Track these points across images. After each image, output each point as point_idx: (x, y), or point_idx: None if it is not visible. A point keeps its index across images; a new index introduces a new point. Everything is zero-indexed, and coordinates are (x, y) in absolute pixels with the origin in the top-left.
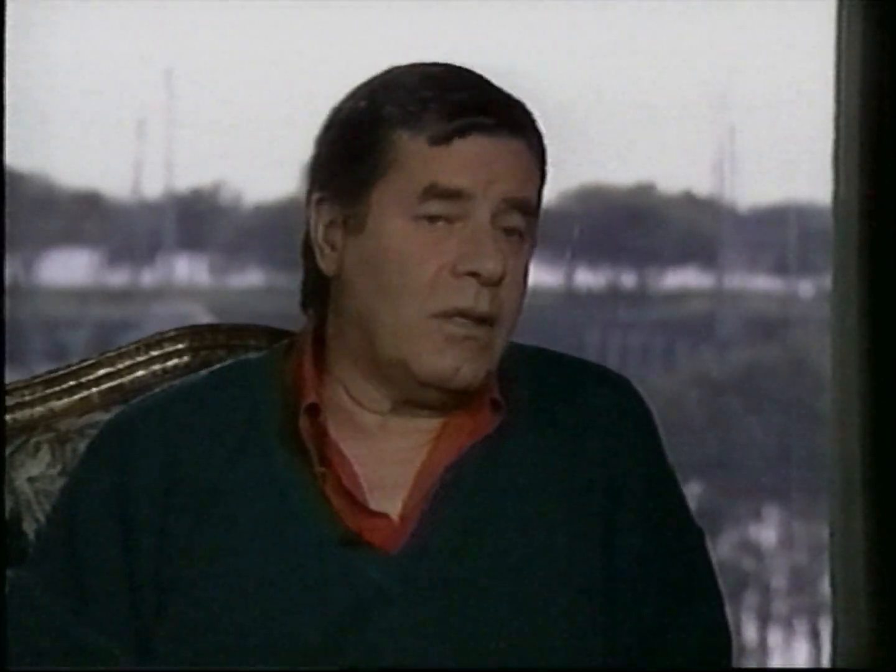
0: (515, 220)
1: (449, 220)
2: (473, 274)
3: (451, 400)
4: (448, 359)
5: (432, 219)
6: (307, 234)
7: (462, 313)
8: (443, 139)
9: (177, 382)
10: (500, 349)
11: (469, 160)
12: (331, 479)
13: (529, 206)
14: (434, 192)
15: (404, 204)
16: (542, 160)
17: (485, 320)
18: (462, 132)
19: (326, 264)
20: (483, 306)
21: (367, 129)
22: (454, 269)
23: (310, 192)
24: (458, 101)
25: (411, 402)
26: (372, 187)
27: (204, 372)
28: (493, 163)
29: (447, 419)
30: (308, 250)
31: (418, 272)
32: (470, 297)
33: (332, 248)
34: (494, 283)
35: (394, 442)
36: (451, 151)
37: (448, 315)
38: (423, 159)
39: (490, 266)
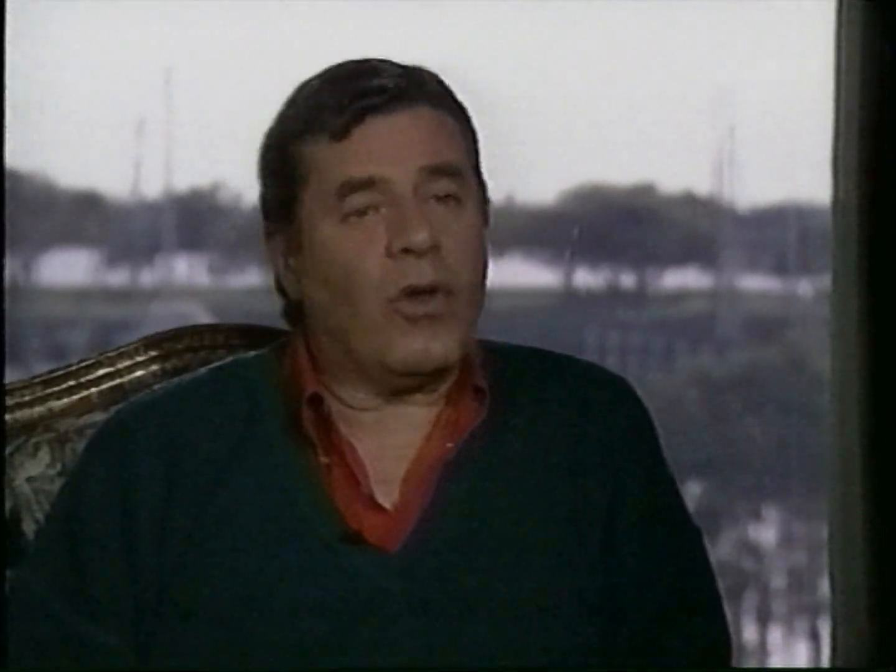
0: (444, 185)
1: (376, 208)
2: (407, 250)
3: (434, 383)
4: (415, 341)
5: (360, 213)
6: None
7: (412, 290)
8: (342, 132)
9: (175, 379)
10: (468, 323)
11: (372, 145)
12: (334, 470)
13: (454, 168)
14: (348, 187)
15: (328, 208)
16: (459, 119)
17: (435, 290)
18: (357, 119)
19: (292, 291)
20: (427, 276)
21: (279, 149)
22: (390, 252)
23: (265, 228)
24: (347, 92)
25: (399, 393)
26: (297, 203)
27: (203, 369)
28: (397, 139)
29: (439, 413)
30: (279, 283)
31: (361, 267)
32: (412, 272)
33: (293, 273)
34: (429, 251)
35: (391, 437)
36: (353, 142)
37: (400, 297)
38: (330, 159)
39: (417, 237)
